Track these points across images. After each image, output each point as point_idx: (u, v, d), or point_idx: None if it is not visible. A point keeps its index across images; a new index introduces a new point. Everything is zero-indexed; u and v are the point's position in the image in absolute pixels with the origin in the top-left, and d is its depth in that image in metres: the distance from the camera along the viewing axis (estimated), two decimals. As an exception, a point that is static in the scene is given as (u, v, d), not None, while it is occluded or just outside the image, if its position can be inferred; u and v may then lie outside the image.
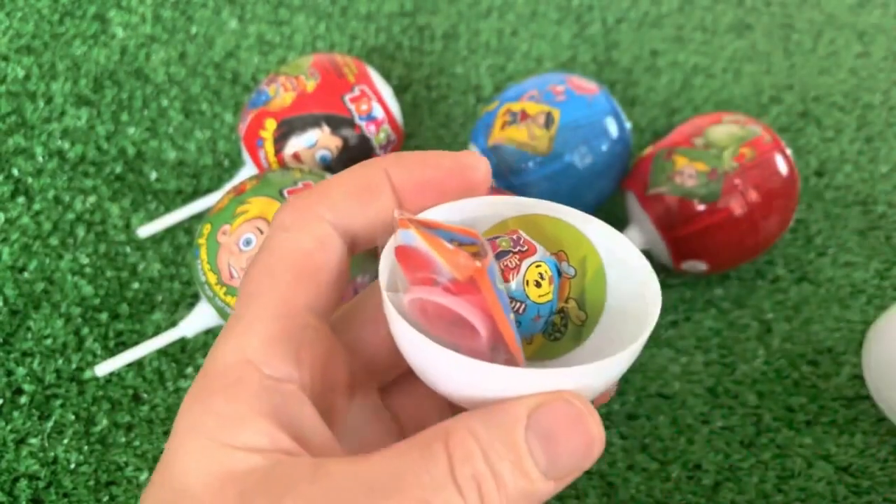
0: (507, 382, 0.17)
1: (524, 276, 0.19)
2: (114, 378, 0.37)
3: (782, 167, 0.36)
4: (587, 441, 0.17)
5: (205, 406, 0.17)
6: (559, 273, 0.21)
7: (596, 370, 0.17)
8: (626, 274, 0.21)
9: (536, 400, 0.16)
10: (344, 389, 0.21)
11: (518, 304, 0.19)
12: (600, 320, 0.21)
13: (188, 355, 0.37)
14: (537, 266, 0.20)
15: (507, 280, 0.19)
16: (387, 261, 0.19)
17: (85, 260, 0.40)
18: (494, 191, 0.36)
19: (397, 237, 0.19)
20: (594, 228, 0.21)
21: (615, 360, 0.17)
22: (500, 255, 0.20)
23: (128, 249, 0.40)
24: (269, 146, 0.38)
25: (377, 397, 0.22)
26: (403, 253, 0.18)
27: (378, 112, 0.38)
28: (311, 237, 0.19)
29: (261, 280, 0.19)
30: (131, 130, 0.45)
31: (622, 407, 0.37)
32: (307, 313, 0.19)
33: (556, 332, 0.21)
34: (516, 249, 0.20)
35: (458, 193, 0.21)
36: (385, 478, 0.16)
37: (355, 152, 0.38)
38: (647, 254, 0.40)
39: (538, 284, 0.20)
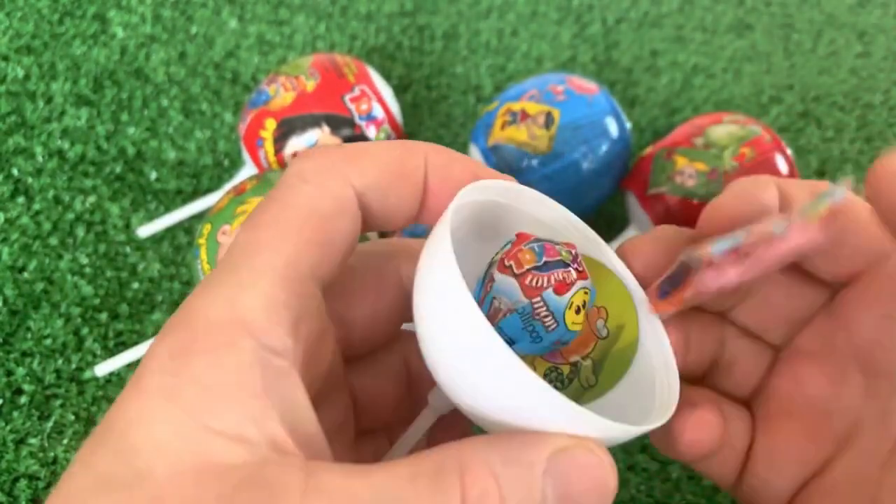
0: (543, 409, 0.15)
1: (572, 296, 0.18)
2: (114, 378, 0.37)
3: (783, 167, 0.36)
4: (603, 494, 0.16)
5: (184, 368, 0.14)
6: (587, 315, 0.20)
7: (627, 432, 0.16)
8: (651, 356, 0.19)
9: (562, 443, 0.15)
10: (327, 370, 0.18)
11: (552, 322, 0.18)
12: (606, 395, 0.20)
13: (188, 355, 0.37)
14: (585, 292, 0.18)
15: (560, 294, 0.18)
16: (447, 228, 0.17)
17: (85, 260, 0.40)
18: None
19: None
20: (645, 301, 0.20)
21: (640, 430, 0.16)
22: (555, 265, 0.18)
23: (128, 249, 0.40)
24: (269, 146, 0.38)
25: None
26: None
27: (378, 112, 0.38)
28: (332, 198, 0.17)
29: (269, 230, 0.16)
30: (131, 130, 0.44)
31: (622, 407, 0.37)
32: (312, 281, 0.16)
33: (559, 381, 0.20)
34: (574, 266, 0.18)
35: None
36: (387, 503, 0.14)
37: (355, 152, 0.38)
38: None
39: (577, 311, 0.18)
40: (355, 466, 0.14)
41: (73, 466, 0.14)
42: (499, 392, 0.16)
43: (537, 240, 0.18)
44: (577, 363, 0.20)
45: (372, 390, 0.21)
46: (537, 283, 0.17)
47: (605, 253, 0.20)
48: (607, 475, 0.16)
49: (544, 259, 0.18)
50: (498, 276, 0.18)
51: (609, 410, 0.19)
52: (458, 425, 0.21)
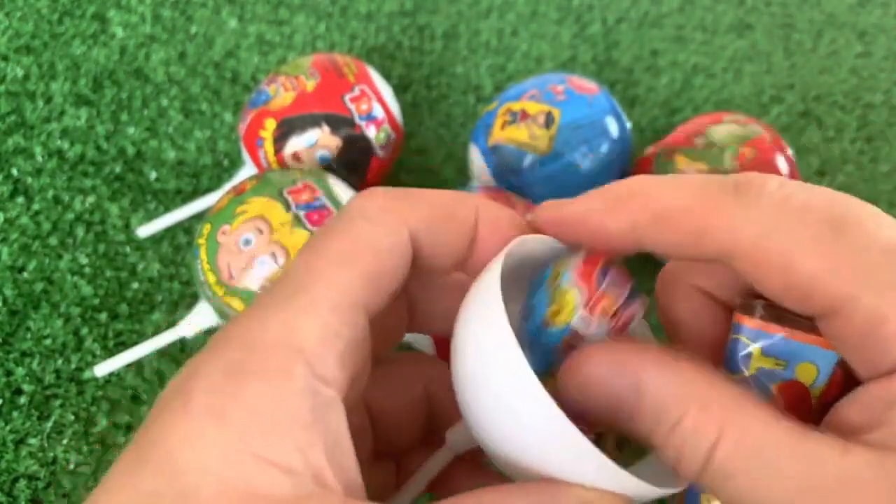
0: (575, 460, 0.15)
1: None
2: (113, 378, 0.37)
3: (783, 167, 0.36)
4: None
5: (237, 391, 0.14)
6: None
7: (650, 492, 0.16)
8: None
9: (586, 496, 0.15)
10: (358, 397, 0.19)
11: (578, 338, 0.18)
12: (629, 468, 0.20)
13: (188, 355, 0.37)
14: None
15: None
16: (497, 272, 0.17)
17: (84, 260, 0.40)
18: (493, 190, 0.36)
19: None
20: None
21: (663, 492, 0.16)
22: (632, 295, 0.18)
23: (127, 249, 0.40)
24: (269, 146, 0.38)
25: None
26: None
27: (378, 112, 0.38)
28: (388, 235, 0.17)
29: (328, 260, 0.17)
30: (131, 130, 0.44)
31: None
32: (362, 313, 0.17)
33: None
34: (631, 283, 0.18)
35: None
36: None
37: (355, 152, 0.38)
38: (647, 254, 0.39)
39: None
40: None
41: (110, 482, 0.14)
42: (534, 442, 0.16)
43: (603, 270, 0.18)
44: (602, 436, 0.19)
45: (390, 415, 0.21)
46: (624, 320, 0.18)
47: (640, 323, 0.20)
48: None
49: (624, 293, 0.18)
50: (585, 319, 0.17)
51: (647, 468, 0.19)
52: (472, 461, 0.21)
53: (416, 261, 0.19)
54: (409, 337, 0.35)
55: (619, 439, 0.19)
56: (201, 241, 0.34)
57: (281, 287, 0.16)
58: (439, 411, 0.22)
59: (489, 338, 0.16)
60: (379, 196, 0.18)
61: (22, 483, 0.34)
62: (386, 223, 0.18)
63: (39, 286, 0.39)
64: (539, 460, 0.16)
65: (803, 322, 0.17)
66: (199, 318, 0.35)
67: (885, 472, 0.14)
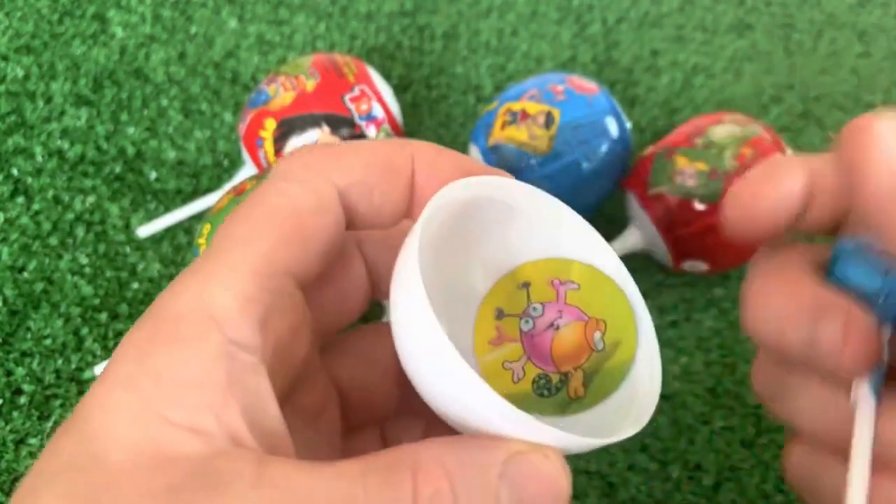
0: (501, 417, 0.16)
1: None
2: (113, 378, 0.37)
3: (783, 167, 0.36)
4: (556, 499, 0.16)
5: (146, 359, 0.15)
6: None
7: (585, 444, 0.16)
8: (643, 378, 0.19)
9: (518, 448, 0.15)
10: (301, 363, 0.18)
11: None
12: (594, 408, 0.19)
13: (188, 355, 0.37)
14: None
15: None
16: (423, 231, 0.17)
17: (84, 260, 0.40)
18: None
19: None
20: (647, 319, 0.20)
21: (599, 443, 0.16)
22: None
23: (127, 249, 0.40)
24: (269, 146, 0.38)
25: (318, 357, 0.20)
26: None
27: (378, 112, 0.38)
28: (312, 196, 0.17)
29: (243, 227, 0.16)
30: (131, 130, 0.44)
31: (622, 407, 0.37)
32: (286, 277, 0.16)
33: (546, 389, 0.20)
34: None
35: None
36: (336, 499, 0.14)
37: (355, 152, 0.38)
38: (647, 254, 0.40)
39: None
40: (309, 462, 0.14)
41: (43, 452, 0.15)
42: (459, 400, 0.16)
43: None
44: (568, 373, 0.20)
45: (360, 384, 0.21)
46: None
47: (609, 259, 0.20)
48: (561, 481, 0.16)
49: None
50: None
51: (592, 422, 0.19)
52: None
53: (355, 218, 0.18)
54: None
55: (586, 377, 0.20)
56: (201, 241, 0.34)
57: (198, 260, 0.16)
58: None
59: (409, 305, 0.16)
60: (301, 155, 0.17)
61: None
62: (308, 182, 0.17)
63: (39, 286, 0.39)
64: (471, 418, 0.16)
65: None
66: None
67: None
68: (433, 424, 0.20)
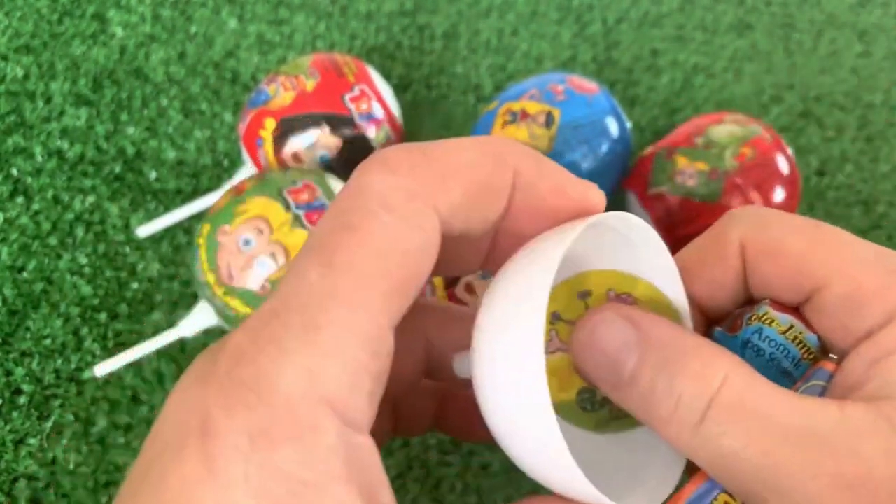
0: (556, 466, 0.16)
1: None
2: (113, 378, 0.37)
3: (783, 166, 0.36)
4: None
5: (269, 457, 0.13)
6: None
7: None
8: None
9: None
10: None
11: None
12: (635, 430, 0.19)
13: (187, 356, 0.37)
14: None
15: None
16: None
17: (84, 260, 0.40)
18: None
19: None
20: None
21: None
22: None
23: (127, 249, 0.40)
24: (269, 146, 0.38)
25: None
26: None
27: (378, 111, 0.38)
28: (418, 236, 0.15)
29: (350, 278, 0.14)
30: (130, 130, 0.44)
31: (623, 407, 0.37)
32: (390, 332, 0.15)
33: (589, 403, 0.19)
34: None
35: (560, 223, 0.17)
36: None
37: (355, 152, 0.38)
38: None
39: None
40: None
41: None
42: (549, 477, 0.16)
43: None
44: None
45: (392, 369, 0.20)
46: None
47: (675, 288, 0.19)
48: None
49: None
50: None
51: (629, 447, 0.19)
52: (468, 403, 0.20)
53: (443, 247, 0.16)
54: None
55: None
56: (201, 241, 0.34)
57: (296, 314, 0.14)
58: (438, 354, 0.21)
59: (519, 355, 0.15)
60: (402, 174, 0.15)
61: (21, 483, 0.34)
62: (414, 216, 0.15)
63: (39, 286, 0.39)
64: (543, 473, 0.16)
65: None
66: (198, 319, 0.35)
67: (883, 415, 0.15)
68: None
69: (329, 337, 0.14)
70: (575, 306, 0.19)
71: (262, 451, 0.13)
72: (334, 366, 0.13)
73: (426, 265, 0.15)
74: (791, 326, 0.18)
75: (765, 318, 0.18)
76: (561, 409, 0.19)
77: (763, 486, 0.15)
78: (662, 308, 0.19)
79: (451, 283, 0.32)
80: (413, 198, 0.15)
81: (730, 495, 0.16)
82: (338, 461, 0.13)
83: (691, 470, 0.18)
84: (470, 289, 0.32)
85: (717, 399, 0.15)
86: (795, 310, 0.18)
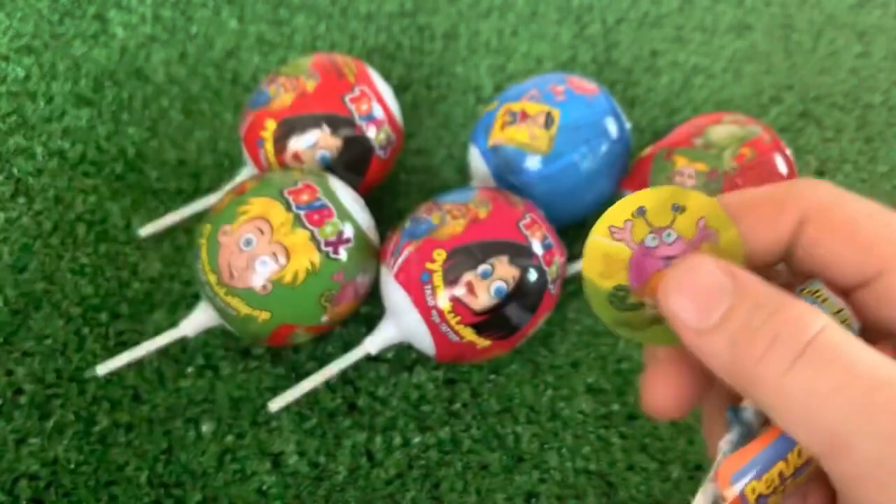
0: None
1: None
2: (114, 378, 0.37)
3: (782, 167, 0.36)
4: None
5: None
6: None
7: None
8: None
9: None
10: None
11: None
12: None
13: (188, 355, 0.38)
14: None
15: None
16: None
17: (85, 260, 0.40)
18: (493, 190, 0.36)
19: None
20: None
21: None
22: None
23: (128, 249, 0.40)
24: (270, 146, 0.38)
25: None
26: None
27: (378, 112, 0.38)
28: None
29: None
30: (131, 130, 0.45)
31: (622, 407, 0.37)
32: None
33: (619, 300, 0.19)
34: None
35: None
36: None
37: (355, 152, 0.38)
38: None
39: None
40: None
41: None
42: None
43: None
44: (644, 304, 0.19)
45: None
46: None
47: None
48: None
49: None
50: None
51: None
52: None
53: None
54: (401, 337, 0.35)
55: (656, 317, 0.19)
56: (202, 241, 0.34)
57: None
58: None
59: None
60: None
61: (23, 482, 0.34)
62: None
63: (40, 286, 0.39)
64: None
65: None
66: (199, 318, 0.35)
67: None
68: None
69: None
70: (664, 213, 0.19)
71: None
72: None
73: None
74: (841, 310, 0.18)
75: (818, 294, 0.18)
76: (593, 292, 0.19)
77: (850, 435, 0.15)
78: (739, 262, 0.19)
79: (451, 283, 0.32)
80: None
81: (786, 462, 0.17)
82: None
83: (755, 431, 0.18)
84: (470, 287, 0.32)
85: (815, 342, 0.16)
86: (846, 295, 0.18)
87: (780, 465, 0.17)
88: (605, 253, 0.18)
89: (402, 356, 0.38)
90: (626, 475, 0.35)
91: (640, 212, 0.19)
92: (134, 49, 0.48)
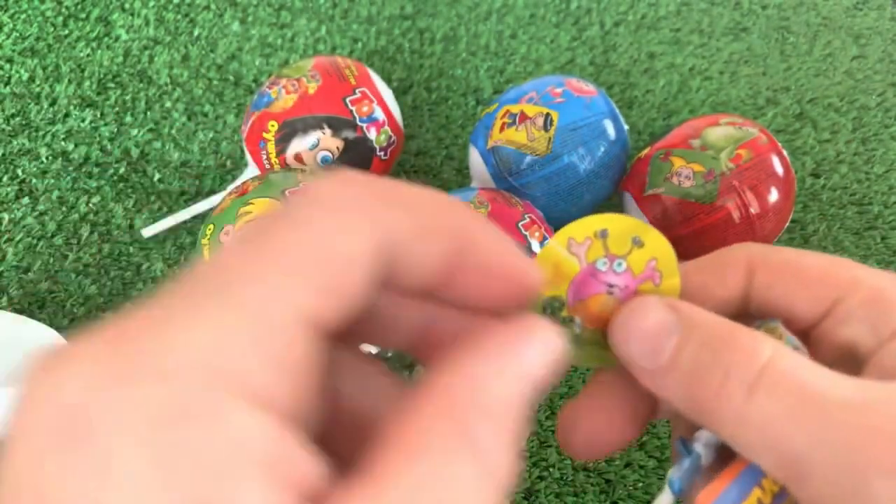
0: None
1: None
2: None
3: (778, 168, 0.37)
4: None
5: (175, 443, 0.11)
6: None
7: None
8: None
9: None
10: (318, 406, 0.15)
11: None
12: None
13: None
14: None
15: None
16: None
17: (89, 260, 0.40)
18: (493, 191, 0.37)
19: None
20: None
21: None
22: None
23: (131, 249, 0.41)
24: (272, 147, 0.38)
25: None
26: None
27: (379, 114, 0.39)
28: (358, 240, 0.14)
29: (273, 263, 0.13)
30: (135, 132, 0.45)
31: (620, 405, 0.38)
32: (311, 328, 0.13)
33: (552, 310, 0.19)
34: None
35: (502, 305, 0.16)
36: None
37: (356, 154, 0.38)
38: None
39: None
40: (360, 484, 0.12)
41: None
42: None
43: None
44: (574, 320, 0.20)
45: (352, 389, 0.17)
46: None
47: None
48: None
49: None
50: None
51: None
52: None
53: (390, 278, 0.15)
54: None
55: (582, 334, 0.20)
56: (205, 241, 0.34)
57: (212, 285, 0.13)
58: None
59: None
60: (352, 185, 0.14)
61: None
62: (356, 221, 0.14)
63: (45, 286, 0.39)
64: None
65: None
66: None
67: None
68: None
69: (239, 315, 0.12)
70: (624, 242, 0.19)
71: (168, 438, 0.11)
72: (241, 345, 0.12)
73: (361, 274, 0.14)
74: (797, 348, 0.18)
75: (774, 331, 0.19)
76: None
77: (810, 459, 0.15)
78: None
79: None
80: (359, 207, 0.14)
81: (762, 490, 0.17)
82: (252, 448, 0.12)
83: (722, 461, 0.18)
84: None
85: (767, 369, 0.16)
86: (808, 335, 0.19)
87: (757, 493, 0.17)
88: (556, 262, 0.19)
89: (403, 355, 0.39)
90: (624, 473, 0.36)
91: (603, 234, 0.19)
92: (137, 51, 0.48)
